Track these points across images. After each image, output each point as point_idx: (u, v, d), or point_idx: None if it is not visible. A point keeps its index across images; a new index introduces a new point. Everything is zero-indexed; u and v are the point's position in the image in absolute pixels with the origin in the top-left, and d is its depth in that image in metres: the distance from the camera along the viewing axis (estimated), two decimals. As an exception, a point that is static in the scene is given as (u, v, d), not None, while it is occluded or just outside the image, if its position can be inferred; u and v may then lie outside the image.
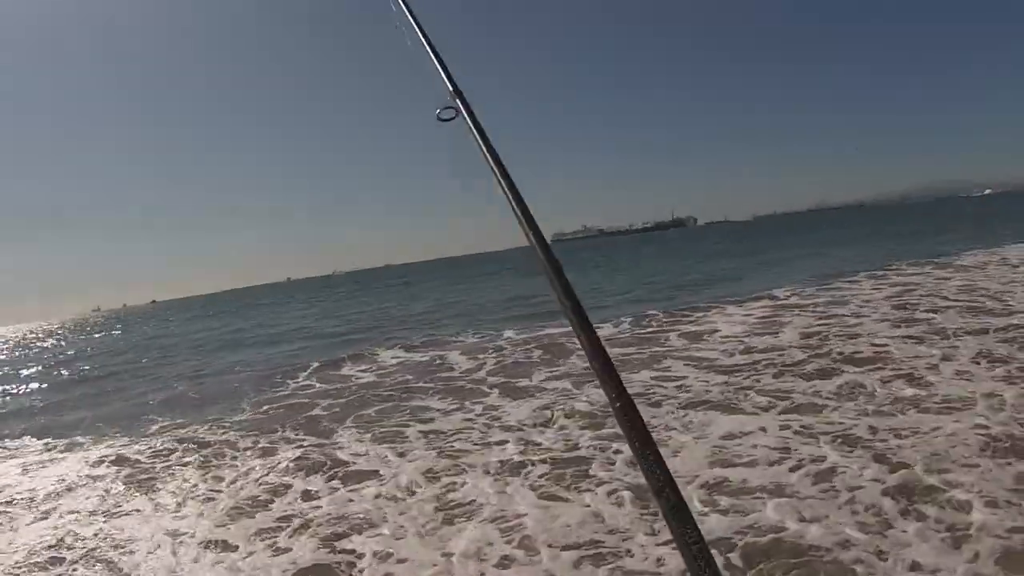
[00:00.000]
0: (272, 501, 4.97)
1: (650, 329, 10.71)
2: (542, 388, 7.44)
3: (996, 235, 21.52)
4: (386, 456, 5.67)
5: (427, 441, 5.97)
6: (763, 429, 5.05)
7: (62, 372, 19.11)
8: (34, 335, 58.62)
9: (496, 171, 1.63)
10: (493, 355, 9.95)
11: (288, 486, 5.24)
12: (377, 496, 4.73)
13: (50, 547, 4.63)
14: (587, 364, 1.20)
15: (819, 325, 9.19)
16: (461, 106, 1.90)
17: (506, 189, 1.57)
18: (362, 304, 30.42)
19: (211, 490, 5.42)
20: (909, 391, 5.59)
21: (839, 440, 4.62)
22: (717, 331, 9.64)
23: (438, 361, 10.19)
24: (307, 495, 4.99)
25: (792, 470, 4.23)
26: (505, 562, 3.53)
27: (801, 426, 5.01)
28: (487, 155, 1.69)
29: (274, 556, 4.01)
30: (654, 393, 6.56)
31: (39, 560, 4.45)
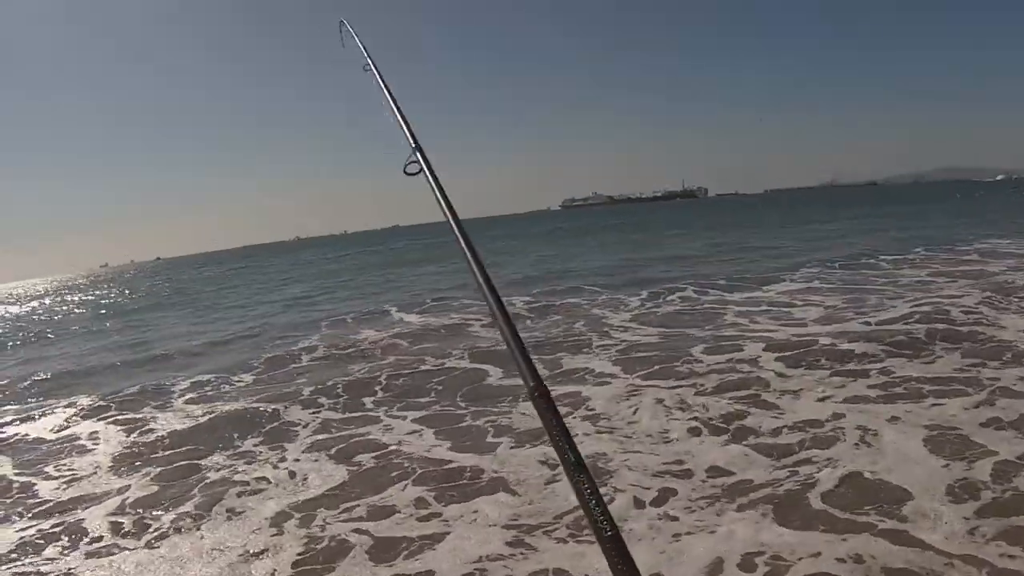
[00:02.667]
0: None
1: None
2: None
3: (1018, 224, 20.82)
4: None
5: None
6: None
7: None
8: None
9: (454, 225, 1.86)
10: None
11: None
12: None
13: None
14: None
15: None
16: (422, 160, 2.16)
17: (463, 243, 1.75)
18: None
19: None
20: None
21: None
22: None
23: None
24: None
25: None
26: None
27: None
28: (445, 209, 1.93)
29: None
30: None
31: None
